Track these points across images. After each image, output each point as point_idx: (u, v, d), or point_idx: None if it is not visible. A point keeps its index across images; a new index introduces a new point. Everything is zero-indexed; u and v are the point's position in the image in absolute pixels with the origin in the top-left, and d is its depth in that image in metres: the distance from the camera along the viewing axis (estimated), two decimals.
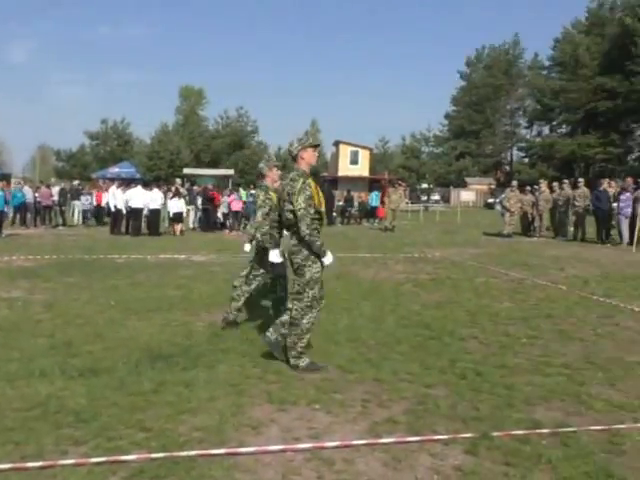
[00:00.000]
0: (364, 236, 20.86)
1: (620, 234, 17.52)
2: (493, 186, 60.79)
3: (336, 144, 50.73)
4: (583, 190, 19.64)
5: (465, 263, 12.96)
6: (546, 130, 64.45)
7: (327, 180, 44.84)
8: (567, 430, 4.02)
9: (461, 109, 69.30)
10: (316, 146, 5.55)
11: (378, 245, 17.02)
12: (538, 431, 4.00)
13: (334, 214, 29.22)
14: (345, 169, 46.62)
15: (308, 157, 5.42)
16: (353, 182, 41.48)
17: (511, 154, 71.53)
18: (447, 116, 72.46)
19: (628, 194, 17.36)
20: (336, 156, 49.65)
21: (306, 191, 5.22)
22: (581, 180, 20.68)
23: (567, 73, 53.97)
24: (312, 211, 5.19)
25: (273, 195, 6.52)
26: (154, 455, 3.58)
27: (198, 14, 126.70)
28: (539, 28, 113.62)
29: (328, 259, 5.25)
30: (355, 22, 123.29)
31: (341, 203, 30.37)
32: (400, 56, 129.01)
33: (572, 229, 19.84)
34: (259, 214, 6.61)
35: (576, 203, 19.36)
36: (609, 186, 19.11)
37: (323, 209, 5.41)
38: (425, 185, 59.96)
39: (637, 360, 5.72)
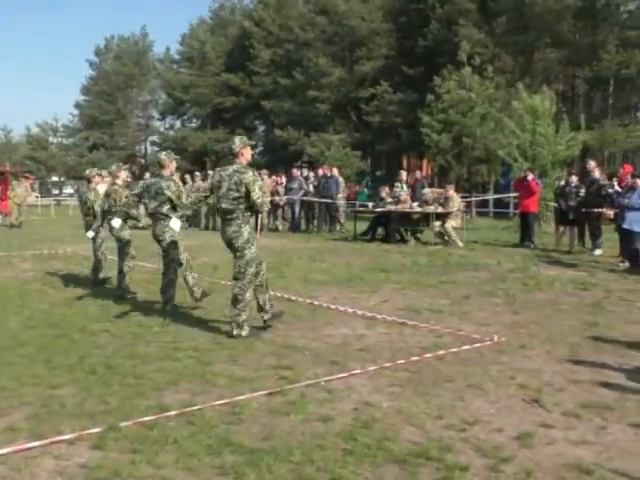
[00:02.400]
0: None
1: None
2: (129, 179, 60.31)
3: None
4: None
5: None
6: (178, 123, 66.17)
7: None
8: (193, 409, 4.23)
9: (92, 99, 67.04)
10: (253, 146, 6.51)
11: (2, 243, 15.61)
12: (166, 414, 4.13)
13: None
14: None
15: (247, 154, 6.23)
16: None
17: (145, 147, 71.82)
18: (78, 106, 69.43)
19: None
20: None
21: (258, 180, 6.17)
22: (211, 172, 21.85)
23: (195, 69, 56.05)
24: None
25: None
26: None
27: None
28: (169, 22, 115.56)
29: None
30: None
31: None
32: (23, 41, 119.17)
33: (204, 219, 20.84)
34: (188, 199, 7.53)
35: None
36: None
37: None
38: (56, 178, 56.78)
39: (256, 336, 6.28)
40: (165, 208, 7.31)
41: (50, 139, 56.46)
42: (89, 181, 9.70)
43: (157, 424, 3.97)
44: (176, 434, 3.81)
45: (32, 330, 6.40)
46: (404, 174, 18.37)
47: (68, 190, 55.98)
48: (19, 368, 5.13)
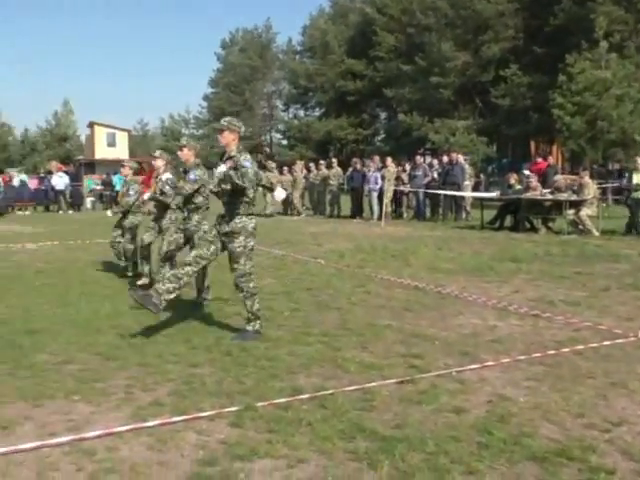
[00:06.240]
0: None
1: (371, 210, 18.99)
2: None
3: (91, 126, 48.10)
4: (337, 170, 20.94)
5: None
6: (301, 113, 67.29)
7: (82, 164, 42.49)
8: (325, 393, 4.27)
9: (220, 91, 69.53)
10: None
11: None
12: (299, 397, 4.20)
13: (92, 199, 27.89)
14: (102, 152, 44.36)
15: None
16: (113, 165, 39.69)
17: (270, 136, 73.63)
18: (206, 98, 72.28)
19: (377, 173, 18.86)
20: (91, 138, 47.13)
21: None
22: (334, 160, 22.03)
23: (318, 58, 56.71)
24: None
25: None
26: None
27: None
28: (290, 13, 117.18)
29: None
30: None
31: (99, 187, 29.05)
32: (156, 36, 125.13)
33: (329, 207, 21.07)
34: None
35: (331, 182, 20.57)
36: (361, 165, 20.62)
37: None
38: None
39: (385, 323, 6.26)
40: None
41: (182, 130, 59.03)
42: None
43: (291, 406, 4.05)
44: (310, 417, 3.87)
45: (173, 311, 6.71)
46: None
47: None
48: (162, 347, 5.41)
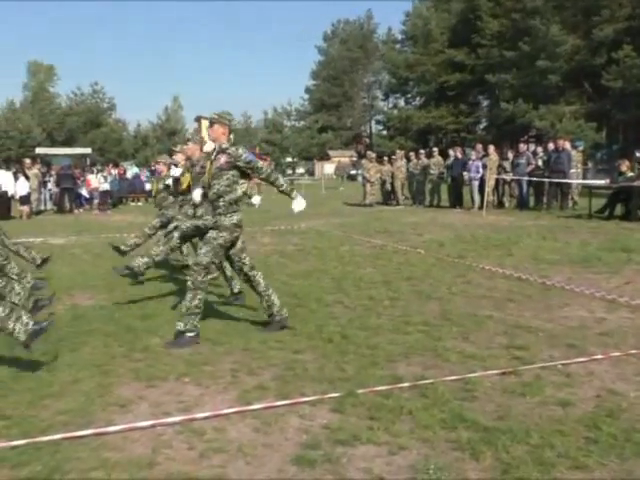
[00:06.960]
0: None
1: (472, 199, 18.62)
2: (355, 158, 62.32)
3: (197, 120, 49.84)
4: (437, 159, 20.66)
5: (330, 233, 13.28)
6: (401, 102, 66.69)
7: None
8: (425, 382, 4.27)
9: (320, 83, 70.15)
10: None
11: (246, 219, 16.95)
12: (400, 385, 4.22)
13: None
14: (209, 145, 45.84)
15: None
16: None
17: (370, 127, 73.53)
18: (307, 90, 73.12)
19: (478, 161, 18.47)
20: (198, 132, 48.81)
21: None
22: (435, 150, 21.72)
23: (419, 47, 55.94)
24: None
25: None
26: (14, 442, 3.43)
27: None
28: (391, 3, 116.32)
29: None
30: None
31: None
32: (259, 31, 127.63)
33: (429, 196, 20.85)
34: None
35: (431, 171, 20.32)
36: (461, 154, 20.23)
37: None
38: (289, 159, 60.41)
39: (487, 314, 6.15)
40: None
41: (285, 122, 60.12)
42: None
43: (392, 394, 4.08)
44: (410, 405, 3.89)
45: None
46: None
47: (300, 170, 59.29)
48: (264, 333, 5.58)
